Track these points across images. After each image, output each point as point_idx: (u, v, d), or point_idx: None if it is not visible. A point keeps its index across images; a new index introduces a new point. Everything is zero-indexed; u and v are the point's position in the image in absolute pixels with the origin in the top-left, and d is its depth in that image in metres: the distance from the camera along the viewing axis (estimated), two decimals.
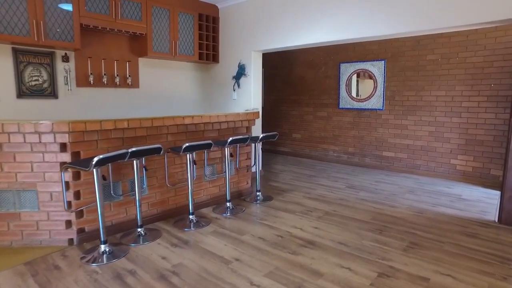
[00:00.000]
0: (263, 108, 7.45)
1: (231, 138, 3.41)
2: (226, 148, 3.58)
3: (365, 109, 5.82)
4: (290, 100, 6.98)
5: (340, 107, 6.14)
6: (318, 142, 6.60)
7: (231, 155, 3.77)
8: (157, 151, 2.84)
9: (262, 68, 7.66)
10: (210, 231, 3.09)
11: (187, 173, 3.23)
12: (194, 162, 3.39)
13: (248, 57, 5.02)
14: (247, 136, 3.60)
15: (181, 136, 3.45)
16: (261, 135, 3.84)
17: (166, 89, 5.21)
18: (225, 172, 3.66)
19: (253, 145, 4.30)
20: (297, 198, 4.11)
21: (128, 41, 4.64)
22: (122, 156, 2.54)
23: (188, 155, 3.18)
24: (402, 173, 5.48)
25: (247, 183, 4.30)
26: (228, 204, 3.68)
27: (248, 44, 5.00)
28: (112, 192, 2.94)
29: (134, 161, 2.85)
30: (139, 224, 2.96)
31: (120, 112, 4.60)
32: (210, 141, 3.18)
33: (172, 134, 3.37)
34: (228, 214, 3.54)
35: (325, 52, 6.29)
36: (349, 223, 3.28)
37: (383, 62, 5.52)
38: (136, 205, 2.92)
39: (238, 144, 3.94)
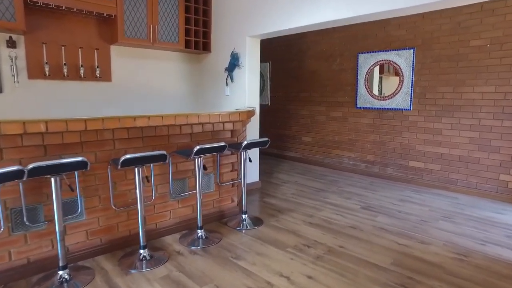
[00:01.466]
0: (268, 106, 6.54)
1: (197, 147, 2.53)
2: (197, 159, 2.71)
3: (388, 109, 4.78)
4: (300, 97, 6.02)
5: (358, 106, 5.13)
6: (331, 147, 5.61)
7: (204, 167, 2.89)
8: (81, 165, 2.01)
9: (268, 61, 6.77)
10: (161, 276, 2.23)
11: (136, 192, 2.38)
12: (147, 179, 2.54)
13: (242, 44, 4.13)
14: (222, 144, 2.71)
15: (135, 143, 2.61)
16: (245, 142, 2.94)
17: (146, 83, 4.41)
18: (197, 189, 2.79)
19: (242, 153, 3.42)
20: (294, 224, 3.18)
21: (96, 24, 3.86)
22: (12, 176, 1.72)
23: (136, 169, 2.34)
24: (433, 188, 4.41)
25: (232, 201, 3.41)
26: (199, 232, 2.81)
27: (243, 28, 4.10)
28: (25, 219, 2.15)
29: (52, 179, 2.04)
30: (60, 264, 2.14)
31: (85, 110, 3.84)
32: (162, 152, 2.32)
33: (122, 140, 2.54)
34: (198, 247, 2.66)
35: (341, 40, 5.29)
36: (359, 271, 2.32)
37: (411, 51, 4.46)
38: (57, 238, 2.11)
39: (218, 153, 3.07)
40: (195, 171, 2.75)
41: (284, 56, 6.22)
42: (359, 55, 5.04)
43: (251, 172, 4.36)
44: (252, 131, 4.29)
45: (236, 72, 4.25)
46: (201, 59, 4.84)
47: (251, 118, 4.21)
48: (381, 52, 4.78)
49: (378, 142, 4.97)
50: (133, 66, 4.25)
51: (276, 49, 6.34)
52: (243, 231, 3.02)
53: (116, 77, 4.11)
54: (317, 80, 5.72)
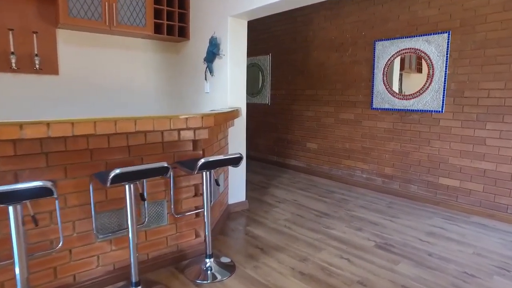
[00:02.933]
0: (268, 106, 5.61)
1: (117, 171, 1.64)
2: (128, 186, 1.82)
3: (413, 110, 3.76)
4: (305, 96, 5.06)
5: (374, 107, 4.13)
6: (340, 156, 4.63)
7: (140, 196, 1.99)
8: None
9: (267, 54, 5.82)
10: None
11: (11, 239, 1.52)
12: (34, 220, 1.67)
13: (223, 27, 3.22)
14: (162, 164, 1.81)
15: (33, 161, 1.75)
16: (202, 161, 2.02)
17: (107, 78, 3.57)
18: (129, 225, 1.90)
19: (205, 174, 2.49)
20: (279, 274, 2.25)
21: (34, 1, 3.04)
22: None
23: (9, 207, 1.47)
24: (473, 215, 3.38)
25: (197, 237, 2.51)
26: None
27: (224, 6, 3.19)
28: None
29: None
30: None
31: (17, 110, 3.03)
32: (41, 183, 1.43)
33: (8, 158, 1.68)
34: None
35: (354, 26, 4.30)
36: None
37: (445, 35, 3.43)
38: None
39: (165, 176, 2.17)
40: (126, 200, 1.87)
41: (286, 47, 5.27)
42: (377, 43, 4.04)
43: (235, 190, 3.45)
44: (237, 139, 3.38)
45: (216, 64, 3.35)
46: (179, 49, 3.97)
47: (236, 122, 3.30)
48: (404, 39, 3.77)
49: (399, 152, 3.96)
50: (89, 56, 3.42)
51: (277, 39, 5.39)
52: (205, 284, 2.11)
53: (65, 70, 3.28)
54: (324, 75, 4.74)
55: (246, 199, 3.59)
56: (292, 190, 4.23)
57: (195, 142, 2.38)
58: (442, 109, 3.53)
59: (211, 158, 2.04)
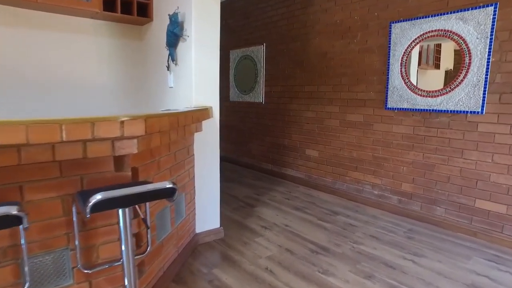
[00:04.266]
0: (261, 105, 4.80)
1: None
2: None
3: (440, 111, 2.89)
4: (304, 93, 4.22)
5: (389, 106, 3.27)
6: (346, 167, 3.78)
7: None
8: None
9: (261, 44, 4.95)
10: None
11: None
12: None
13: (187, 1, 2.41)
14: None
15: None
16: (95, 199, 1.20)
17: (44, 70, 2.80)
18: None
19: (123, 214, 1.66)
20: None
21: None
22: None
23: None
24: None
25: None
26: None
27: None
28: None
29: None
30: None
31: None
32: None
33: None
34: None
35: (364, 4, 3.44)
36: None
37: (490, 9, 2.55)
38: None
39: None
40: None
41: (283, 34, 4.43)
42: (393, 25, 3.17)
43: (205, 213, 2.64)
44: (207, 148, 2.56)
45: (181, 49, 2.54)
46: (144, 33, 3.18)
47: (206, 126, 2.49)
48: (430, 18, 2.90)
49: (421, 165, 3.09)
50: (19, 39, 2.65)
51: (272, 26, 4.56)
52: None
53: None
54: (328, 67, 3.89)
55: (220, 225, 2.78)
56: (285, 210, 3.40)
57: (118, 159, 1.57)
58: (482, 109, 2.65)
59: (116, 193, 1.22)
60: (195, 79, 2.42)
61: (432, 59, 2.94)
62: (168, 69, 2.66)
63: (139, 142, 1.50)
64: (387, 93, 3.28)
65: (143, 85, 3.21)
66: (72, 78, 2.92)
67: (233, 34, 5.34)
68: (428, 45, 2.94)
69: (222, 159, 5.84)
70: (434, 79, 2.94)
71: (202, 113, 2.30)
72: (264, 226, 2.99)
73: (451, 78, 2.81)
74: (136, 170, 1.65)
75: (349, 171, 3.76)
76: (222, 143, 5.81)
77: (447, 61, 2.84)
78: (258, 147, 5.01)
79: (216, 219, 2.73)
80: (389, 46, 3.22)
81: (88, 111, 2.93)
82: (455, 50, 2.77)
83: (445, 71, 2.85)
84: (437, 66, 2.93)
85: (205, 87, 2.49)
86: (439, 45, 2.88)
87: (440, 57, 2.89)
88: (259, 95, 4.84)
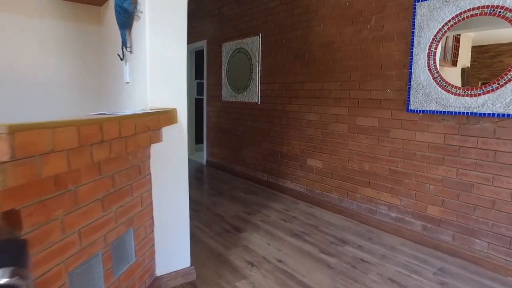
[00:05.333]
0: (257, 106, 4.16)
1: None
2: None
3: (482, 114, 2.19)
4: (306, 92, 3.54)
5: (412, 108, 2.58)
6: (356, 181, 3.10)
7: None
8: None
9: (256, 34, 4.17)
10: None
11: None
12: None
13: None
14: None
15: None
16: None
17: None
18: None
19: None
20: None
21: None
22: None
23: None
24: None
25: None
26: None
27: None
28: None
29: None
30: None
31: None
32: None
33: None
34: None
35: None
36: None
37: None
38: None
39: None
40: None
41: (280, 22, 3.76)
42: (418, 4, 2.48)
43: (170, 250, 1.99)
44: (169, 165, 1.91)
45: (136, 32, 1.88)
46: (101, 15, 2.53)
47: (169, 133, 1.83)
48: None
49: (455, 183, 2.39)
50: None
51: (269, 13, 3.89)
52: None
53: None
54: (334, 60, 3.21)
55: (192, 263, 2.11)
56: (279, 237, 2.73)
57: None
58: None
59: None
60: (151, 72, 1.76)
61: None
62: (122, 59, 2.00)
63: (6, 172, 0.85)
64: (409, 91, 2.59)
65: (102, 80, 2.57)
66: (5, 71, 2.28)
67: (226, 24, 4.69)
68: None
69: (214, 166, 5.19)
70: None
71: (159, 118, 1.64)
72: (250, 261, 2.32)
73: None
74: (14, 216, 1.00)
75: (359, 187, 3.08)
76: (214, 148, 5.16)
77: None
78: (253, 154, 4.35)
79: (185, 256, 2.08)
80: (413, 32, 2.53)
81: (21, 114, 2.29)
82: None
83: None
84: (454, 63, 2.26)
85: (166, 83, 1.83)
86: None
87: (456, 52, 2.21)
88: (254, 94, 4.17)
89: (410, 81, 2.57)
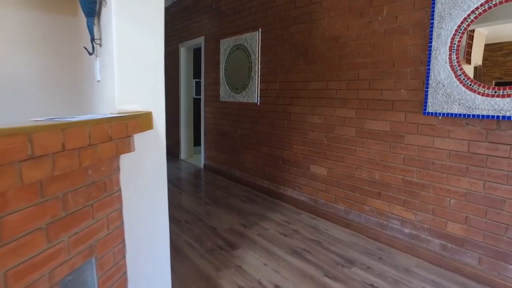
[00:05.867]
0: (256, 107, 3.86)
1: None
2: None
3: None
4: (309, 91, 3.23)
5: (430, 110, 2.25)
6: (365, 192, 2.77)
7: None
8: None
9: (256, 30, 3.70)
10: None
11: None
12: None
13: None
14: None
15: None
16: None
17: None
18: None
19: None
20: None
21: None
22: None
23: None
24: None
25: None
26: None
27: None
28: None
29: None
30: None
31: None
32: None
33: None
34: None
35: None
36: None
37: None
38: None
39: None
40: None
41: (282, 16, 3.45)
42: None
43: (147, 280, 1.68)
44: (147, 178, 1.61)
45: (105, 21, 1.58)
46: (76, 5, 2.24)
47: (146, 142, 1.53)
48: None
49: (481, 198, 2.06)
50: None
51: (269, 6, 3.58)
52: None
53: None
54: (341, 56, 2.89)
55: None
56: (278, 255, 2.41)
57: None
58: None
59: None
60: (119, 67, 1.46)
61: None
62: (90, 53, 1.70)
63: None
64: (426, 91, 2.26)
65: (77, 78, 2.28)
66: None
67: (223, 19, 4.38)
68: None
69: (212, 170, 4.89)
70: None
71: (126, 124, 1.34)
72: (243, 287, 2.01)
73: None
74: None
75: (368, 198, 2.75)
76: (212, 151, 4.87)
77: None
78: (253, 158, 4.04)
79: (166, 283, 1.77)
80: (432, 23, 2.20)
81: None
82: None
83: None
84: (467, 61, 1.93)
85: (139, 82, 1.53)
86: None
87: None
88: (253, 95, 3.86)
89: (427, 80, 2.24)
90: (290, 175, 3.51)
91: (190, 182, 4.46)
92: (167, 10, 5.93)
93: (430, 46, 2.20)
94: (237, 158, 4.31)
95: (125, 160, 1.54)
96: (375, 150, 2.67)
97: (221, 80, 4.48)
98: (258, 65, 3.77)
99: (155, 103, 1.59)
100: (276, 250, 2.50)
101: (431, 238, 2.34)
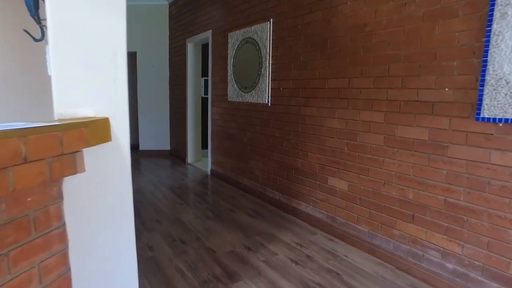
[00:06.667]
0: (267, 108, 3.41)
1: None
2: None
3: None
4: (327, 91, 2.74)
5: (486, 116, 1.73)
6: (395, 213, 2.27)
7: None
8: None
9: (267, 20, 3.16)
10: None
11: None
12: None
13: None
14: None
15: None
16: None
17: None
18: None
19: None
20: None
21: None
22: None
23: None
24: None
25: None
26: None
27: None
28: None
29: None
30: None
31: None
32: None
33: None
34: None
35: None
36: None
37: None
38: None
39: None
40: None
41: (296, 3, 2.98)
42: None
43: None
44: (105, 206, 1.19)
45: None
46: None
47: (104, 158, 1.11)
48: None
49: None
50: None
51: None
52: None
53: None
54: (366, 48, 2.40)
55: None
56: None
57: None
58: None
59: None
60: (56, 56, 1.05)
61: None
62: (35, 39, 1.30)
63: None
64: (481, 90, 1.74)
65: (43, 73, 1.90)
66: None
67: (232, 10, 3.95)
68: None
69: (219, 177, 4.48)
70: None
71: (61, 137, 0.93)
72: None
73: None
74: None
75: (399, 220, 2.25)
76: (219, 156, 4.45)
77: None
78: (263, 166, 3.59)
79: None
80: (492, 1, 1.68)
81: None
82: None
83: None
84: None
85: (90, 78, 1.11)
86: None
87: None
88: (263, 94, 3.41)
89: (484, 75, 1.73)
90: (305, 187, 3.04)
91: (193, 191, 4.06)
92: (174, 3, 5.55)
93: (489, 31, 1.68)
94: (246, 165, 3.88)
95: (71, 184, 1.13)
96: (408, 163, 2.16)
97: (229, 78, 4.05)
98: (269, 60, 3.31)
99: (114, 106, 1.17)
100: (284, 284, 2.04)
101: (484, 280, 1.82)
